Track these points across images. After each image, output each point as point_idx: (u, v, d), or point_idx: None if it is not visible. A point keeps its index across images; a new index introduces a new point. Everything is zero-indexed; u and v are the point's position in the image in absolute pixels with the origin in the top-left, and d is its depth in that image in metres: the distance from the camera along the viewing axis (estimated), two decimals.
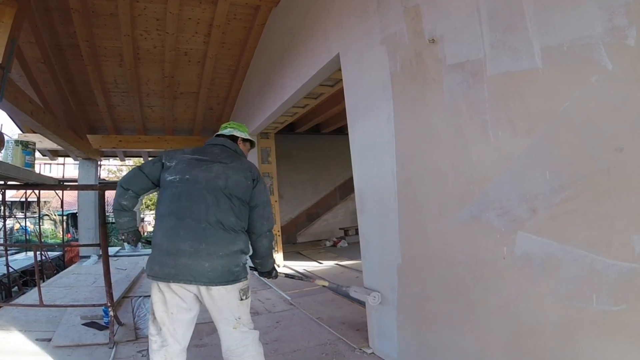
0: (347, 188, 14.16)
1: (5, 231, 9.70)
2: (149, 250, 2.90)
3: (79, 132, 9.50)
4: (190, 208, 2.67)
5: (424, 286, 3.23)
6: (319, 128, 13.05)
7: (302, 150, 13.68)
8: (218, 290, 2.62)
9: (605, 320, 1.91)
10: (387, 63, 3.53)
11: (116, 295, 5.58)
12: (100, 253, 5.87)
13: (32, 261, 10.25)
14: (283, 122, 8.51)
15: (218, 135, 3.24)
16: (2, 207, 8.41)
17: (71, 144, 8.74)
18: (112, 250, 11.92)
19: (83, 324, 4.84)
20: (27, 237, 14.97)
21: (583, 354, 2.02)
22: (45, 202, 24.76)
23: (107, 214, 4.70)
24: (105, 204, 5.03)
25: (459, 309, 2.85)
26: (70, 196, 20.49)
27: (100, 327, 4.72)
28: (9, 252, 11.30)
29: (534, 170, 2.24)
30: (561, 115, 2.07)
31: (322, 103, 7.96)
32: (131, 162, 27.36)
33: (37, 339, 4.40)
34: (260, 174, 3.03)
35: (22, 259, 12.17)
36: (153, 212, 27.82)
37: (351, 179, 4.30)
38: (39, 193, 7.21)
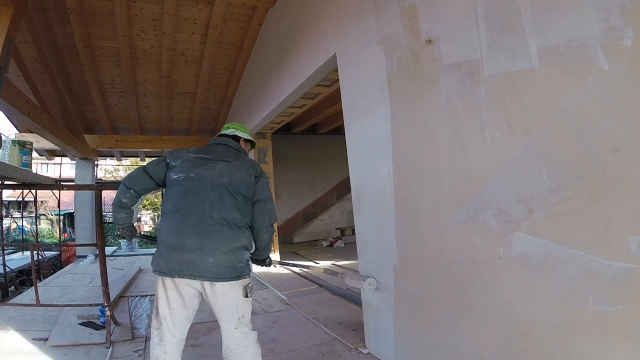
0: (343, 188, 14.17)
1: (2, 230, 9.69)
2: (146, 250, 2.93)
3: (75, 132, 9.48)
4: (195, 205, 2.72)
5: (420, 286, 3.23)
6: (315, 128, 13.06)
7: (298, 150, 13.68)
8: (222, 287, 2.67)
9: (602, 321, 1.91)
10: (384, 63, 3.53)
11: (113, 295, 5.57)
12: (97, 253, 5.86)
13: (29, 261, 10.20)
14: (280, 122, 8.50)
15: (221, 135, 3.29)
16: None
17: (68, 144, 8.72)
18: (108, 250, 11.90)
19: (80, 324, 4.83)
20: (24, 236, 14.94)
21: (579, 354, 2.03)
22: (42, 201, 24.73)
23: (103, 213, 4.69)
24: (102, 203, 5.02)
25: (455, 309, 2.85)
26: (67, 196, 20.45)
27: (97, 327, 4.72)
28: (5, 251, 11.28)
29: (531, 170, 2.24)
30: (558, 115, 2.07)
31: (318, 103, 7.95)
32: (128, 162, 27.39)
33: (33, 339, 4.39)
34: (262, 171, 3.07)
35: (19, 259, 12.15)
36: (150, 212, 27.94)
37: (348, 179, 4.30)
38: (36, 193, 7.22)
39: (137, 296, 6.38)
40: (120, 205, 2.95)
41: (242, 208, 2.82)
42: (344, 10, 4.24)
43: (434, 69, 2.94)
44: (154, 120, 11.23)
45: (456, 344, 2.85)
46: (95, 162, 12.67)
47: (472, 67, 2.60)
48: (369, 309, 3.97)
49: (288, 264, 4.27)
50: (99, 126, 11.04)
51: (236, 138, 3.30)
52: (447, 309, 2.92)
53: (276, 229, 9.46)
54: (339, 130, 12.65)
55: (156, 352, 2.75)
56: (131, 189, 2.91)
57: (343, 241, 12.58)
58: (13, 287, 10.38)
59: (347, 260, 9.26)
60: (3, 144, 4.57)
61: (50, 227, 22.33)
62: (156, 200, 25.00)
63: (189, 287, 2.72)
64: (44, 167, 25.75)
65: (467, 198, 2.69)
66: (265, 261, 3.19)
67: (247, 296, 2.76)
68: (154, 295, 2.93)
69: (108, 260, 4.83)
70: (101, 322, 4.75)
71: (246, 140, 3.39)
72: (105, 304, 4.59)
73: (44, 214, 22.09)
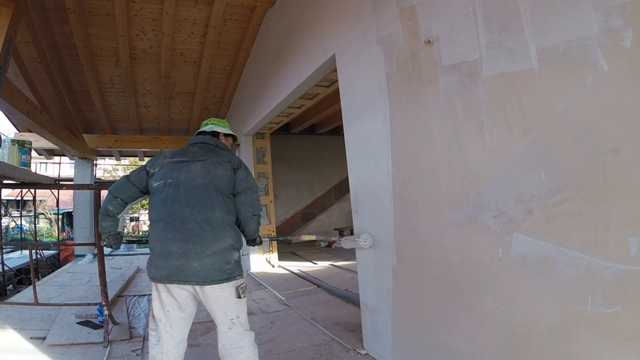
0: (342, 188, 14.15)
1: (0, 229, 9.68)
2: (144, 250, 2.94)
3: (75, 131, 9.47)
4: (175, 211, 2.73)
5: (418, 287, 3.22)
6: (314, 128, 13.05)
7: (297, 150, 13.66)
8: (212, 289, 2.67)
9: (600, 322, 1.91)
10: (383, 64, 3.53)
11: (111, 294, 5.57)
12: (96, 252, 5.87)
13: (28, 260, 10.23)
14: (279, 122, 8.49)
15: (200, 133, 3.28)
16: None
17: (67, 144, 8.72)
18: (107, 249, 11.87)
19: (78, 323, 4.83)
20: (23, 235, 14.92)
21: (578, 355, 2.02)
22: (41, 200, 24.71)
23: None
24: (101, 203, 5.01)
25: (453, 310, 2.85)
26: (66, 195, 20.48)
27: (95, 326, 4.72)
28: (4, 250, 11.27)
29: (530, 171, 2.24)
30: (557, 116, 2.07)
31: (317, 103, 7.95)
32: (127, 162, 27.39)
33: (31, 338, 4.39)
34: (242, 163, 3.03)
35: (18, 258, 12.14)
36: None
37: (346, 180, 4.30)
38: (35, 192, 7.22)
39: (135, 296, 6.38)
40: (106, 213, 2.98)
41: (224, 206, 2.80)
42: (343, 11, 4.23)
43: (433, 70, 2.93)
44: (153, 120, 11.23)
45: (454, 345, 2.85)
46: (94, 162, 12.67)
47: (471, 68, 2.60)
48: (367, 310, 3.97)
49: (278, 239, 4.26)
50: (98, 126, 11.03)
51: (215, 134, 3.26)
52: (446, 310, 2.92)
53: (275, 229, 9.44)
54: (338, 131, 12.66)
55: (154, 352, 2.77)
56: (117, 198, 2.95)
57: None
58: (11, 285, 10.38)
59: (346, 260, 9.25)
60: (2, 143, 4.57)
61: (48, 226, 22.31)
62: None
63: (181, 290, 2.75)
64: (43, 167, 25.76)
65: (466, 199, 2.69)
66: (255, 241, 3.18)
67: (239, 297, 2.74)
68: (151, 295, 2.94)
69: (106, 260, 4.84)
70: (99, 321, 4.75)
71: (226, 135, 3.33)
72: (104, 303, 4.59)
73: (42, 213, 22.07)
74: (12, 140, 4.75)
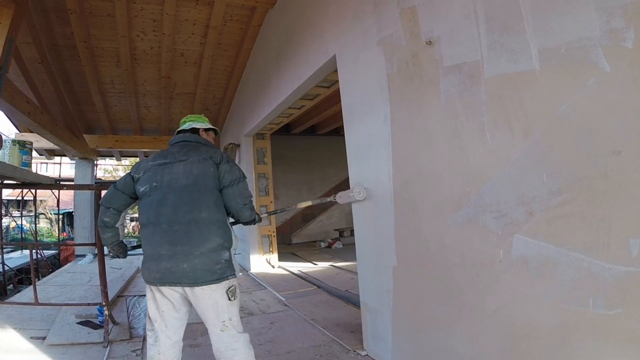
0: (342, 189, 13.95)
1: (1, 229, 9.68)
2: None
3: (75, 131, 9.48)
4: (162, 213, 2.73)
5: (419, 288, 3.22)
6: (314, 129, 13.05)
7: (297, 151, 13.67)
8: (202, 290, 2.66)
9: (601, 324, 1.90)
10: (384, 64, 3.52)
11: (111, 294, 5.57)
12: (96, 252, 5.86)
13: (28, 259, 10.23)
14: (279, 123, 8.49)
15: (180, 132, 3.25)
16: None
17: (68, 144, 8.74)
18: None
19: (78, 323, 4.83)
20: (23, 235, 14.93)
21: (579, 357, 2.02)
22: (41, 200, 24.75)
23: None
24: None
25: (454, 312, 2.84)
26: (67, 195, 20.52)
27: (95, 326, 4.72)
28: (4, 250, 11.27)
29: (531, 172, 2.24)
30: (559, 117, 2.07)
31: (318, 104, 7.95)
32: (127, 162, 27.36)
33: (31, 337, 4.39)
34: (224, 156, 2.99)
35: (18, 257, 12.14)
36: None
37: (346, 180, 4.30)
38: (35, 192, 7.22)
39: (135, 296, 6.38)
40: (104, 226, 2.99)
41: (211, 205, 2.78)
42: (344, 12, 4.23)
43: (434, 71, 2.93)
44: (153, 121, 11.24)
45: (454, 347, 2.84)
46: (95, 162, 12.67)
47: (473, 69, 2.60)
48: (368, 311, 3.96)
49: (276, 212, 4.28)
50: (99, 126, 11.04)
51: (195, 130, 3.25)
52: (446, 311, 2.91)
53: (275, 229, 9.45)
54: (338, 131, 12.66)
55: (151, 352, 2.78)
56: (110, 208, 2.96)
57: (341, 242, 12.56)
58: (11, 285, 10.38)
59: (346, 261, 9.24)
60: (3, 143, 4.57)
61: (49, 226, 22.34)
62: None
63: (173, 292, 2.75)
64: (43, 167, 25.80)
65: (467, 200, 2.68)
66: (254, 220, 3.15)
67: (229, 300, 2.73)
68: None
69: (106, 260, 4.83)
70: (99, 321, 4.75)
71: (207, 130, 3.32)
72: (104, 303, 4.59)
73: (43, 213, 22.11)
74: (13, 141, 4.75)
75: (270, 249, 9.23)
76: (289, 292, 6.61)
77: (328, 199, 4.16)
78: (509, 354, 2.42)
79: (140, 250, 3.02)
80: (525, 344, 2.31)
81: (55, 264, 12.88)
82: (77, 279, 7.92)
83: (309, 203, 4.34)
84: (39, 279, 8.32)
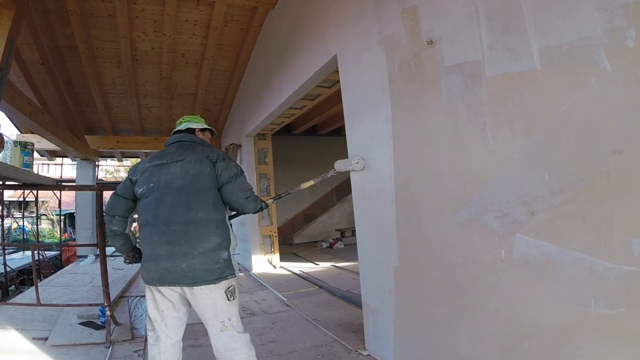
0: (343, 189, 14.13)
1: (3, 230, 9.68)
2: None
3: (77, 132, 9.50)
4: (159, 214, 2.74)
5: (420, 288, 3.22)
6: (315, 129, 13.04)
7: (298, 151, 13.64)
8: (201, 290, 2.66)
9: (603, 324, 1.90)
10: (385, 64, 3.52)
11: (113, 295, 5.57)
12: (98, 253, 5.86)
13: (30, 260, 10.20)
14: (280, 123, 8.50)
15: (176, 132, 3.28)
16: (0, 207, 8.40)
17: (69, 145, 8.75)
18: (109, 250, 11.84)
19: (80, 324, 4.83)
20: (25, 236, 14.93)
21: (581, 357, 2.02)
22: (43, 201, 24.78)
23: (104, 213, 4.72)
24: (103, 204, 5.02)
25: (455, 312, 2.84)
26: (68, 196, 20.49)
27: (97, 327, 4.72)
28: (6, 251, 11.28)
29: (533, 172, 2.23)
30: (560, 116, 2.07)
31: (319, 104, 7.95)
32: (128, 163, 27.37)
33: (33, 338, 4.39)
34: (220, 153, 3.00)
35: (20, 258, 12.15)
36: None
37: (348, 181, 4.30)
38: (37, 193, 7.22)
39: (137, 296, 6.38)
40: (113, 234, 3.01)
41: (209, 204, 2.78)
42: (345, 11, 4.23)
43: (435, 70, 2.93)
44: (154, 121, 11.24)
45: (456, 347, 2.84)
46: (96, 163, 12.68)
47: (474, 68, 2.59)
48: (369, 311, 3.96)
49: (281, 196, 4.31)
50: (100, 127, 11.05)
51: (191, 130, 3.26)
52: (448, 311, 2.91)
53: (276, 230, 9.45)
54: (339, 132, 12.66)
55: (152, 352, 2.80)
56: (115, 216, 2.97)
57: (343, 242, 12.56)
58: (13, 286, 10.39)
59: (347, 261, 9.23)
60: (5, 144, 4.57)
61: (51, 227, 22.33)
62: None
63: (172, 292, 2.76)
64: (45, 168, 25.79)
65: (468, 200, 2.68)
66: (262, 208, 3.17)
67: (228, 300, 2.73)
68: None
69: (108, 261, 4.84)
70: (101, 322, 4.75)
71: (203, 130, 3.33)
72: (106, 304, 4.59)
73: (44, 214, 22.11)
74: (15, 142, 4.76)
75: (272, 249, 9.23)
76: (291, 292, 6.61)
77: (329, 174, 4.17)
78: (510, 353, 2.42)
79: None
80: (527, 343, 2.31)
81: (57, 264, 12.89)
82: (79, 280, 7.93)
83: (312, 182, 4.36)
84: (40, 280, 8.33)
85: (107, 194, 5.56)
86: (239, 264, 2.93)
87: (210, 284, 2.64)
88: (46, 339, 4.36)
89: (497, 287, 2.50)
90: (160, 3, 6.81)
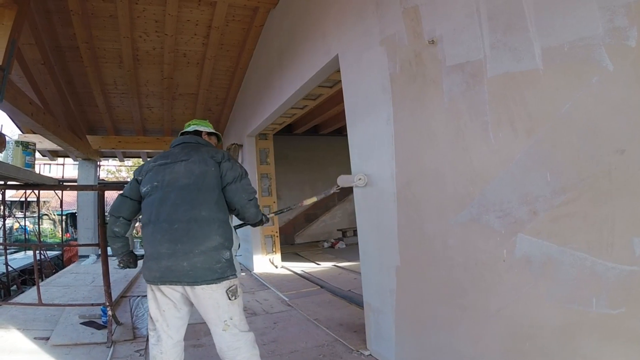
0: (345, 189, 13.99)
1: (4, 230, 9.68)
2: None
3: (78, 132, 9.50)
4: (162, 212, 2.74)
5: (422, 288, 3.22)
6: (317, 129, 13.04)
7: (300, 151, 13.65)
8: (203, 290, 2.65)
9: (605, 324, 1.90)
10: (387, 64, 3.52)
11: (114, 294, 5.57)
12: (99, 253, 5.87)
13: (31, 260, 10.25)
14: (282, 123, 8.50)
15: (183, 134, 3.30)
16: (1, 207, 8.40)
17: (71, 145, 8.75)
18: (110, 250, 11.91)
19: (81, 323, 4.84)
20: (27, 236, 14.95)
21: (582, 357, 2.01)
22: (44, 201, 24.80)
23: (106, 214, 4.71)
24: (105, 204, 5.03)
25: (457, 312, 2.84)
26: (70, 196, 20.52)
27: (99, 326, 4.73)
28: (8, 251, 11.30)
29: (535, 171, 2.23)
30: (562, 116, 2.06)
31: (320, 104, 7.95)
32: (130, 163, 27.41)
33: (35, 338, 4.40)
34: (225, 154, 3.02)
35: (21, 258, 12.20)
36: None
37: None
38: (39, 193, 7.21)
39: (138, 296, 6.39)
40: (114, 236, 3.02)
41: (211, 204, 2.78)
42: (346, 11, 4.23)
43: (437, 70, 2.93)
44: (156, 121, 11.24)
45: (457, 346, 2.84)
46: (98, 163, 12.71)
47: (475, 68, 2.59)
48: (371, 311, 3.96)
49: (283, 211, 4.31)
50: (102, 127, 11.05)
51: (198, 132, 3.30)
52: (449, 311, 2.91)
53: (278, 229, 9.45)
54: (341, 131, 12.67)
55: (153, 352, 2.79)
56: (120, 217, 2.98)
57: (344, 242, 12.55)
58: (15, 286, 10.41)
59: (349, 261, 9.23)
60: (6, 144, 4.58)
61: (52, 227, 22.34)
62: None
63: (174, 291, 2.75)
64: (46, 168, 25.83)
65: (470, 199, 2.68)
66: (262, 221, 3.19)
67: (230, 299, 2.72)
68: None
69: (110, 260, 4.83)
70: (103, 321, 4.76)
71: (209, 134, 3.36)
72: (107, 304, 4.60)
73: (46, 214, 22.12)
74: (16, 142, 4.76)
75: (273, 249, 9.23)
76: (292, 292, 6.62)
77: (332, 191, 4.18)
78: (511, 353, 2.42)
79: (142, 251, 3.02)
80: (529, 343, 2.30)
81: (59, 264, 12.93)
82: (80, 280, 7.94)
83: (314, 199, 4.36)
84: (42, 280, 8.36)
85: (108, 194, 5.58)
86: (240, 264, 2.92)
87: (212, 283, 2.63)
88: (48, 338, 4.37)
89: (498, 287, 2.50)
90: (162, 3, 6.82)
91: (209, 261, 2.64)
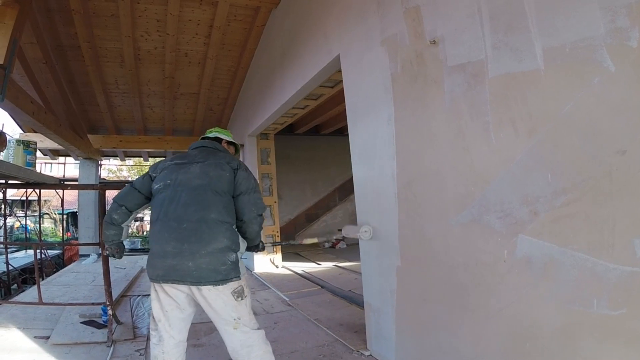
0: (346, 189, 14.11)
1: (5, 229, 9.71)
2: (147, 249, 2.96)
3: (79, 132, 9.51)
4: (172, 210, 2.75)
5: (422, 289, 3.21)
6: (318, 129, 13.03)
7: (301, 151, 13.63)
8: (209, 291, 2.65)
9: (606, 324, 1.90)
10: (388, 64, 3.52)
11: (115, 294, 5.58)
12: (100, 252, 5.87)
13: (32, 259, 10.26)
14: (283, 123, 8.49)
15: (203, 138, 3.35)
16: (2, 206, 8.42)
17: (72, 144, 8.76)
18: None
19: (82, 322, 4.84)
20: (27, 235, 14.97)
21: (582, 358, 2.01)
22: (45, 200, 24.80)
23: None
24: (106, 203, 5.03)
25: (457, 312, 2.83)
26: (71, 195, 20.55)
27: (99, 326, 4.73)
28: (9, 250, 11.31)
29: (536, 172, 2.23)
30: (563, 117, 2.06)
31: (322, 104, 7.95)
32: (131, 162, 27.47)
33: (35, 337, 4.40)
34: (242, 164, 3.05)
35: (22, 257, 12.22)
36: None
37: (350, 180, 4.30)
38: (40, 192, 7.24)
39: (139, 295, 6.39)
40: (110, 222, 3.01)
41: (221, 207, 2.79)
42: (348, 11, 4.23)
43: (438, 70, 2.92)
44: (157, 121, 11.26)
45: (458, 347, 2.84)
46: (99, 162, 12.71)
47: (477, 68, 2.59)
48: (371, 311, 3.96)
49: (281, 244, 4.30)
50: (103, 126, 11.07)
51: (218, 140, 3.35)
52: (450, 311, 2.91)
53: (279, 229, 9.45)
54: (342, 131, 12.66)
55: (155, 352, 2.79)
56: (122, 206, 2.98)
57: (345, 242, 12.54)
58: (16, 285, 10.43)
59: (349, 261, 9.21)
60: (8, 143, 4.58)
61: (53, 226, 22.42)
62: None
63: (178, 291, 2.74)
64: (47, 167, 25.87)
65: (471, 200, 2.68)
66: (258, 247, 3.21)
67: (236, 300, 2.72)
68: None
69: (110, 260, 4.83)
70: (103, 321, 4.76)
71: (229, 143, 3.42)
72: (107, 303, 4.60)
73: (47, 213, 22.19)
74: (17, 141, 4.77)
75: (274, 249, 9.21)
76: (293, 292, 6.62)
77: (334, 237, 4.21)
78: (512, 354, 2.42)
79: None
80: (529, 344, 2.30)
81: (60, 263, 12.94)
82: (81, 279, 7.94)
83: (315, 240, 4.39)
84: (43, 279, 8.36)
85: (109, 193, 5.57)
86: (245, 266, 2.93)
87: (218, 284, 2.63)
88: (48, 337, 4.37)
89: (499, 288, 2.50)
90: (163, 3, 6.83)
91: (215, 262, 2.63)
